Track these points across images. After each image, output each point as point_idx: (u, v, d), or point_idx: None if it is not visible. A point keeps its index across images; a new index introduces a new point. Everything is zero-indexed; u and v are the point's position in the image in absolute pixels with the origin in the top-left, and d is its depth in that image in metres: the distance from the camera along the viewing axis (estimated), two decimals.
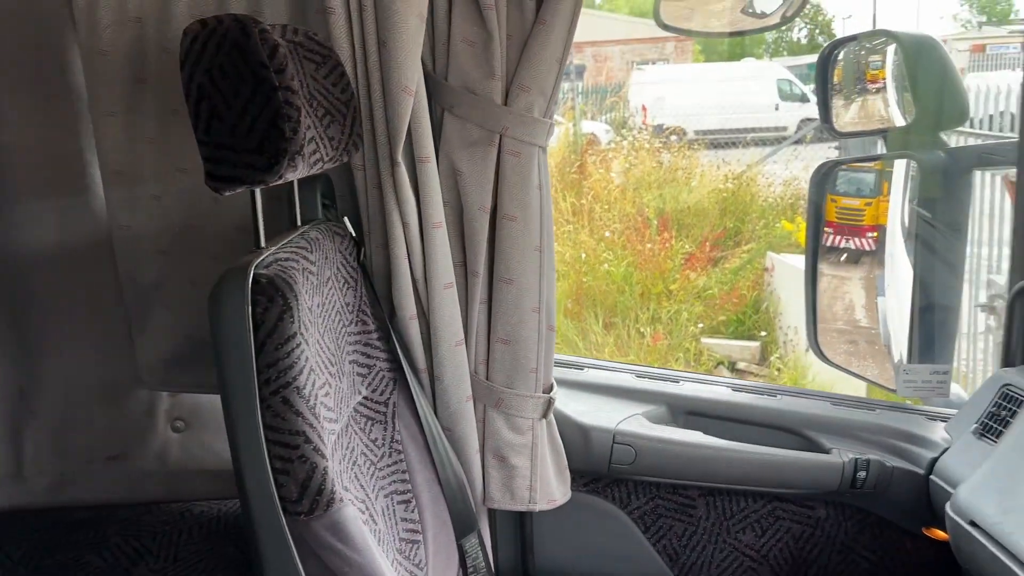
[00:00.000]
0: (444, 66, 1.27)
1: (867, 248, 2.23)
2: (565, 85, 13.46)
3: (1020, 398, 1.40)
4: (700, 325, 6.10)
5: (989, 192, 3.12)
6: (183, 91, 0.92)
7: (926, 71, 1.66)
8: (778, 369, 5.19)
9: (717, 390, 1.64)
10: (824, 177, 1.81)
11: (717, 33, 1.77)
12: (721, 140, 11.35)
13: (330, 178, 1.31)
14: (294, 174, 0.98)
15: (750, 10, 1.72)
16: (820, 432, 1.55)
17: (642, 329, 6.08)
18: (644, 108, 14.71)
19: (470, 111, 1.26)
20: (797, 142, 9.58)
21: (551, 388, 1.39)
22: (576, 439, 1.50)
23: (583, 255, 6.85)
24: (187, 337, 1.38)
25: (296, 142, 0.93)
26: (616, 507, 1.57)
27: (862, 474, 1.48)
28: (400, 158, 1.22)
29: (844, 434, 1.55)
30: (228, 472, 1.46)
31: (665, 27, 1.61)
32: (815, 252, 1.85)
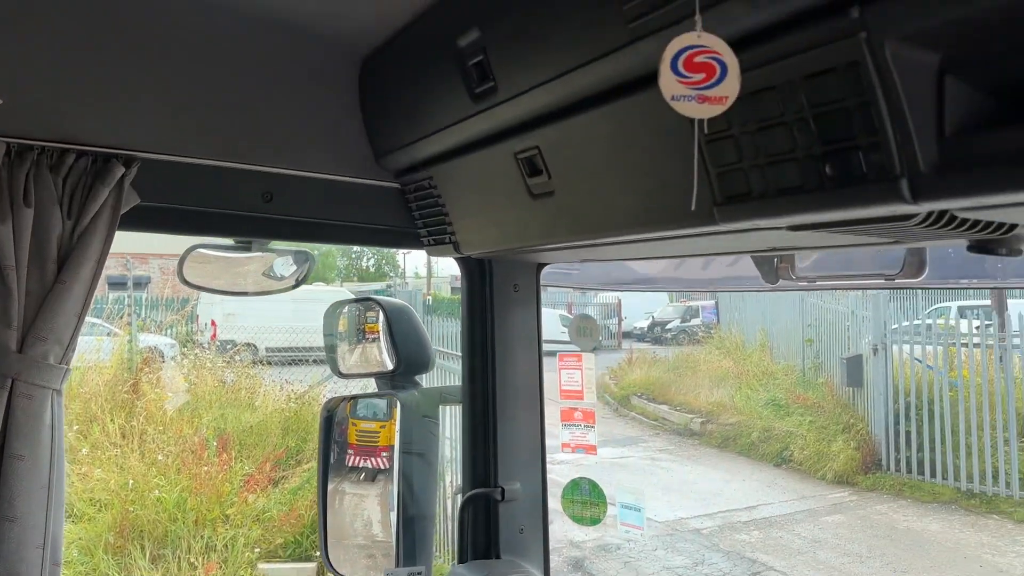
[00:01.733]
0: None
1: (382, 466, 2.57)
2: (123, 296, 12.83)
3: None
4: (257, 550, 5.99)
5: None
6: None
7: (403, 329, 2.17)
8: None
9: None
10: (331, 410, 2.18)
11: (243, 292, 2.09)
12: (291, 358, 11.73)
13: None
14: None
15: (271, 274, 2.09)
16: None
17: (194, 560, 5.75)
18: (214, 323, 14.59)
19: None
20: None
21: None
22: None
23: (131, 482, 6.35)
24: None
25: None
26: None
27: None
28: None
29: None
30: None
31: (189, 285, 1.87)
32: (325, 474, 2.16)
